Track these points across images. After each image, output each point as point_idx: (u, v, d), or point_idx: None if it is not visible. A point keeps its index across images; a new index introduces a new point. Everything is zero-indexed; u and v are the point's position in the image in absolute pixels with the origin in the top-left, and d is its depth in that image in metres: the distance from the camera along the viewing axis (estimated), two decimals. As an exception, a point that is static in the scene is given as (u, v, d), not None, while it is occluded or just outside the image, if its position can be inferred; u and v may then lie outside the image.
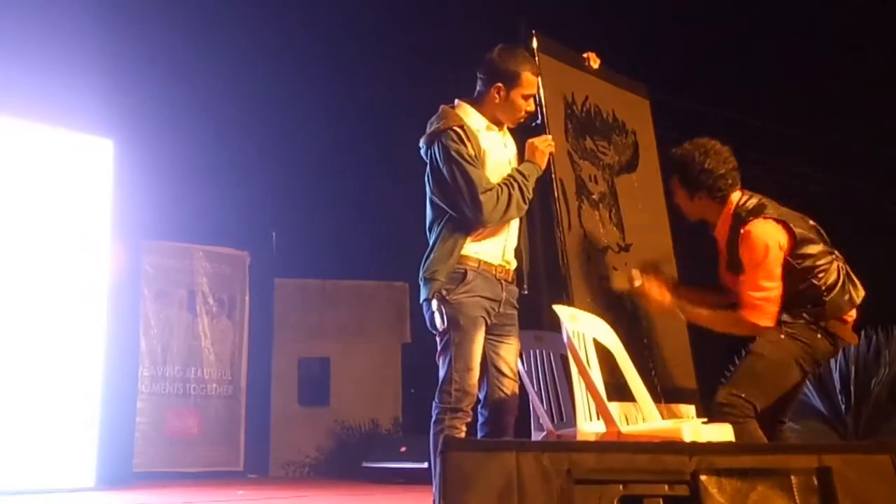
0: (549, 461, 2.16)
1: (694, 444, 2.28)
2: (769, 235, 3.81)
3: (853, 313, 3.89)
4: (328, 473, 11.54)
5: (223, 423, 10.91)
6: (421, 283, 3.88)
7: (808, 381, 6.90)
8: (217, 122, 11.51)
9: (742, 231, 3.85)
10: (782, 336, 3.79)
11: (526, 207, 3.90)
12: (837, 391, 7.47)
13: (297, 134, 12.78)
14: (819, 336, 3.81)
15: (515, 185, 3.82)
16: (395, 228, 11.88)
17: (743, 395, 3.72)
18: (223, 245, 11.18)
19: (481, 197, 3.73)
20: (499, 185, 3.80)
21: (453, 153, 3.77)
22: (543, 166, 3.99)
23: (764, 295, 3.79)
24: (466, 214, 3.76)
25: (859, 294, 3.87)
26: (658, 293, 4.11)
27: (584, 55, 4.66)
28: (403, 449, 9.32)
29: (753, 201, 3.92)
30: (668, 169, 4.18)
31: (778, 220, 3.84)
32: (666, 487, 2.18)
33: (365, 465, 9.84)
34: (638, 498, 2.18)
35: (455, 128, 3.81)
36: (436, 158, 3.83)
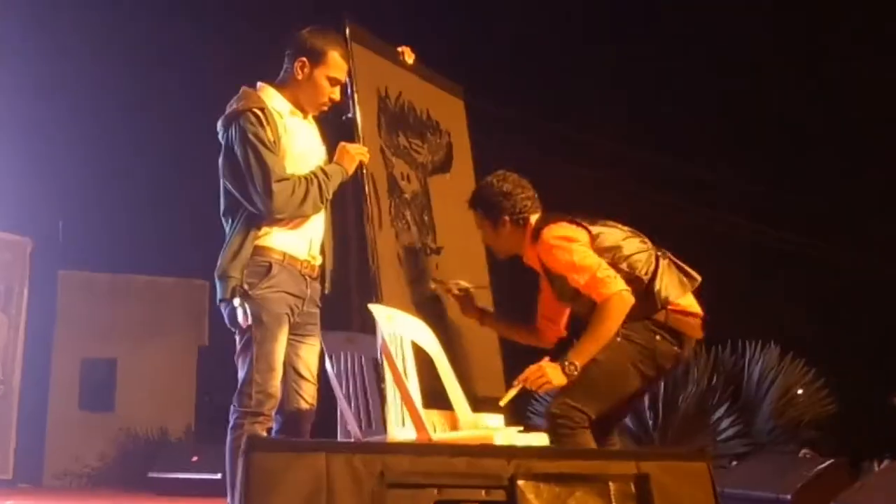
0: (362, 463, 2.12)
1: (513, 447, 2.30)
2: (562, 233, 3.94)
3: (694, 305, 3.95)
4: (110, 484, 11.10)
5: (-9, 426, 10.32)
6: (216, 281, 3.76)
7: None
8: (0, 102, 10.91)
9: (539, 241, 3.98)
10: (618, 339, 3.80)
11: (322, 207, 3.83)
12: (646, 407, 7.76)
13: (89, 115, 12.27)
14: (658, 338, 3.84)
15: (315, 182, 3.74)
16: (194, 222, 11.57)
17: (577, 406, 3.74)
18: (2, 229, 10.55)
19: (274, 186, 3.62)
20: (298, 177, 3.71)
21: (250, 136, 3.65)
22: (350, 172, 3.92)
23: (593, 271, 3.78)
24: (255, 203, 3.65)
25: (694, 282, 3.95)
26: (549, 376, 3.83)
27: (399, 49, 4.64)
28: (195, 458, 9.05)
29: (548, 215, 4.08)
30: (472, 206, 4.28)
31: (569, 221, 3.99)
32: (483, 492, 2.19)
33: (151, 475, 9.49)
34: (453, 503, 2.17)
35: (255, 109, 3.70)
36: (231, 141, 3.71)
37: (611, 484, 2.23)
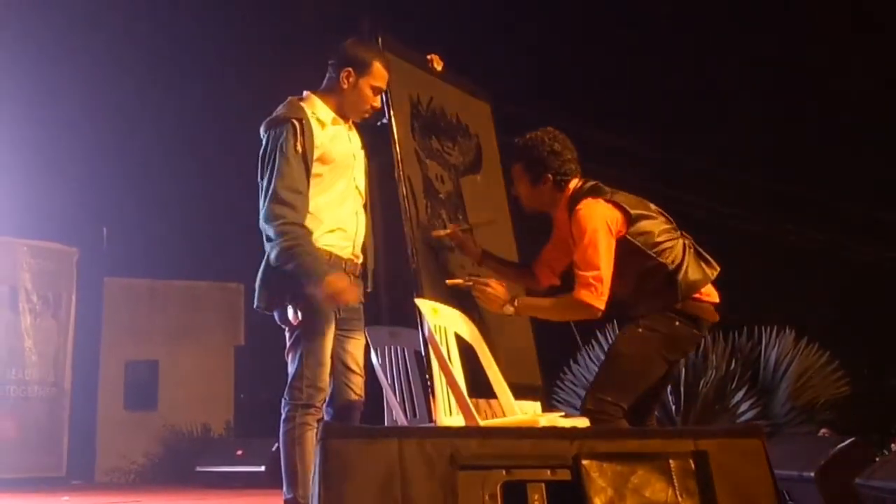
0: (433, 447, 2.10)
1: (575, 429, 2.27)
2: (598, 214, 3.77)
3: (712, 293, 3.89)
4: (157, 479, 11.10)
5: (44, 427, 10.34)
6: None
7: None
8: (46, 115, 10.97)
9: (573, 210, 3.83)
10: (640, 330, 3.76)
11: (276, 265, 3.58)
12: (669, 392, 7.71)
13: (129, 128, 12.32)
14: (677, 323, 3.78)
15: (303, 248, 3.56)
16: (229, 228, 11.60)
17: (609, 399, 3.69)
18: (50, 240, 10.59)
19: (281, 193, 3.56)
20: (305, 224, 3.58)
21: (280, 143, 3.64)
22: (320, 294, 3.56)
23: (595, 273, 3.70)
24: (262, 202, 3.64)
25: (713, 271, 3.87)
26: (493, 289, 3.98)
27: (428, 57, 4.64)
28: (240, 452, 9.05)
29: (590, 185, 3.93)
30: (512, 156, 4.10)
31: (609, 201, 3.83)
32: (548, 472, 2.16)
33: (199, 469, 9.50)
34: (521, 483, 2.15)
35: (294, 120, 3.68)
36: (267, 145, 3.71)
37: (671, 461, 2.21)
